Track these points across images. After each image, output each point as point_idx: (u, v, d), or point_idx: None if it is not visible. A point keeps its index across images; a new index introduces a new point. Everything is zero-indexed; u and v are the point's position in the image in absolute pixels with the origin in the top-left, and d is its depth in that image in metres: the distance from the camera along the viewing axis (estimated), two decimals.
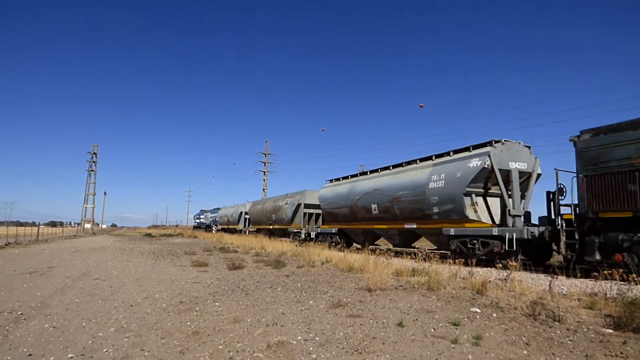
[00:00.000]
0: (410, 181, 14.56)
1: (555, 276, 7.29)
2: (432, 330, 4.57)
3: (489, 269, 10.01)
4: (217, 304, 6.13)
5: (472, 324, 4.79)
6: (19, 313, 5.46)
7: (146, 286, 7.80)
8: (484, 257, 11.65)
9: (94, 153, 63.14)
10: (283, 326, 4.82)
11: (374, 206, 16.44)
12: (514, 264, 7.77)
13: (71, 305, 5.97)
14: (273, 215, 28.82)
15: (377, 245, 19.42)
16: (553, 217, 11.07)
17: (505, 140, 12.42)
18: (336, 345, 4.05)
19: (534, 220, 12.39)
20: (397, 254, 14.78)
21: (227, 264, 11.28)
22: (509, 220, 11.79)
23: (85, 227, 58.65)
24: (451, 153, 13.67)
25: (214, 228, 46.37)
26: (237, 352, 3.90)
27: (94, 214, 63.36)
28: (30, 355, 3.81)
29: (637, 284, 6.62)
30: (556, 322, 4.75)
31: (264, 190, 45.33)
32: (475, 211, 12.30)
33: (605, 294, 5.98)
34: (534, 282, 7.86)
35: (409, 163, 15.69)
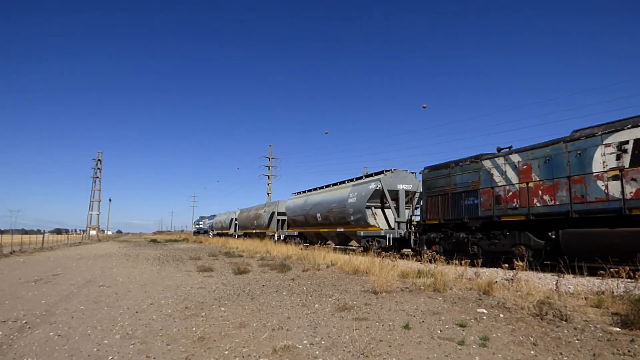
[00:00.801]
0: (338, 197, 20.11)
1: (562, 275, 7.23)
2: (439, 332, 4.54)
3: (495, 269, 9.96)
4: (222, 309, 6.12)
5: (479, 325, 4.75)
6: (24, 322, 5.47)
7: (151, 292, 7.80)
8: (379, 249, 15.20)
9: (99, 160, 63.47)
10: (289, 330, 4.80)
11: (319, 215, 21.80)
12: (520, 264, 7.72)
13: (76, 313, 5.97)
14: (255, 222, 34.22)
15: (328, 244, 22.14)
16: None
17: (394, 169, 17.86)
18: (342, 349, 4.03)
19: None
20: (403, 256, 14.77)
21: (232, 269, 11.27)
22: (396, 225, 16.81)
23: (91, 234, 58.85)
24: (363, 177, 19.40)
25: (210, 233, 52.75)
26: (243, 357, 3.88)
27: (99, 220, 63.64)
28: None
29: None
30: (563, 322, 4.71)
31: (268, 194, 45.35)
32: (375, 219, 17.80)
33: (612, 292, 5.93)
34: (541, 282, 7.80)
35: (341, 183, 21.61)
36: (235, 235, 40.63)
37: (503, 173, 11.61)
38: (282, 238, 27.71)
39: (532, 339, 4.16)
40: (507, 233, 11.26)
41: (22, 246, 23.98)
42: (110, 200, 71.93)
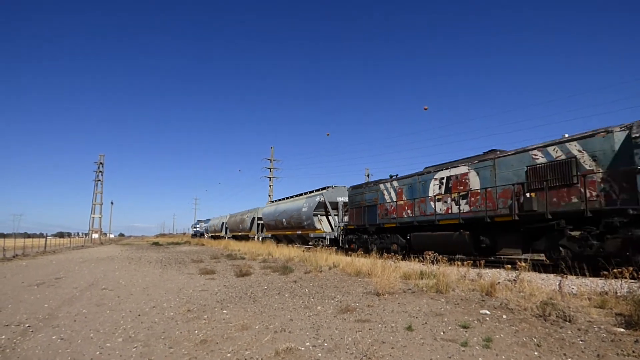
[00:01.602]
0: (296, 206, 25.92)
1: (565, 276, 7.20)
2: (442, 333, 4.53)
3: (498, 270, 9.93)
4: (225, 311, 6.11)
5: (482, 326, 4.73)
6: (27, 325, 5.48)
7: (154, 295, 7.80)
8: (325, 246, 18.77)
9: (101, 163, 63.61)
10: (291, 332, 4.79)
11: (284, 220, 27.63)
12: (523, 264, 7.69)
13: (79, 316, 5.98)
14: (240, 225, 40.44)
15: (298, 245, 25.80)
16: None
17: (335, 186, 23.62)
18: (345, 351, 4.02)
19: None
20: (405, 258, 14.74)
21: (234, 271, 11.27)
22: (335, 229, 22.37)
23: (93, 237, 58.92)
24: (313, 191, 25.43)
25: (205, 235, 59.43)
26: (246, 359, 3.88)
27: (101, 223, 63.73)
28: None
29: None
30: (567, 323, 4.69)
31: (269, 195, 45.39)
32: (320, 224, 23.58)
33: (616, 293, 5.90)
34: (544, 282, 7.77)
35: (299, 195, 27.87)
36: (225, 237, 45.52)
37: (389, 194, 16.94)
38: (260, 239, 32.78)
39: (535, 340, 4.14)
40: (388, 235, 16.65)
41: (24, 250, 24.04)
42: (112, 203, 72.17)
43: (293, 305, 6.43)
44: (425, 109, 24.57)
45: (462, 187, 13.34)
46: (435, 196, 14.18)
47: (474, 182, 12.93)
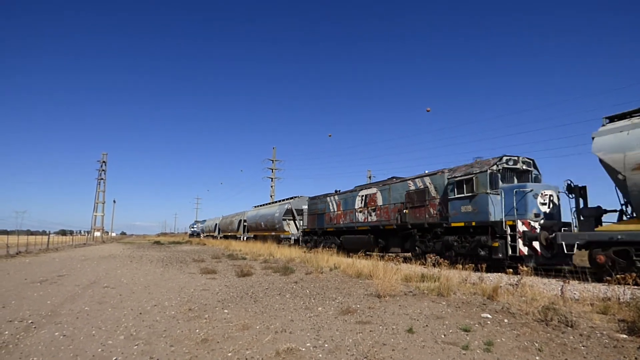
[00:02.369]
0: (272, 212, 31.87)
1: (567, 281, 7.18)
2: (443, 336, 4.52)
3: (499, 274, 9.91)
4: (225, 311, 6.13)
5: (483, 330, 4.73)
6: (30, 322, 5.51)
7: (155, 294, 7.82)
8: (292, 243, 25.68)
9: (103, 161, 63.85)
10: (292, 333, 4.80)
11: (262, 223, 33.42)
12: (525, 268, 7.68)
13: (81, 314, 6.00)
14: (229, 226, 46.14)
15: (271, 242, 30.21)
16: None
17: (301, 196, 28.60)
18: (345, 352, 4.02)
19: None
20: (406, 260, 14.74)
21: (235, 271, 11.29)
22: (300, 230, 26.97)
23: (95, 235, 59.13)
24: (284, 200, 31.15)
25: (201, 235, 64.95)
26: (247, 359, 3.88)
27: (103, 222, 63.99)
28: None
29: None
30: (569, 328, 4.67)
31: (271, 196, 45.43)
32: (289, 227, 29.05)
33: (619, 299, 5.88)
34: (546, 287, 7.76)
35: (274, 202, 34.54)
36: (218, 237, 50.39)
37: (333, 205, 21.86)
38: (245, 239, 38.26)
39: (537, 345, 4.13)
40: (330, 237, 21.75)
41: (27, 247, 24.14)
42: (114, 201, 72.17)
43: (294, 306, 6.44)
44: (428, 111, 24.57)
45: (373, 203, 18.30)
46: (357, 209, 19.45)
47: (379, 200, 17.82)
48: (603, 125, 9.78)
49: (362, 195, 19.09)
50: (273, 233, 30.70)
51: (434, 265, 9.52)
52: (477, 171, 12.66)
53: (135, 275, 11.00)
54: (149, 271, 12.22)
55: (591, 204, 10.69)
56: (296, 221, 28.22)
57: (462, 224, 12.96)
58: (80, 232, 62.67)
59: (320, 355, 3.97)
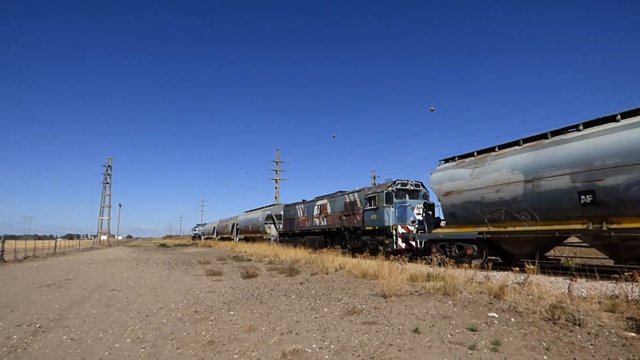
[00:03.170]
0: (257, 216, 37.02)
1: (575, 279, 7.12)
2: (449, 336, 4.50)
3: (506, 272, 9.85)
4: (231, 312, 6.14)
5: (490, 329, 4.70)
6: (38, 325, 5.55)
7: (161, 296, 7.85)
8: (271, 243, 29.10)
9: (109, 166, 64.18)
10: (298, 334, 4.80)
11: (250, 226, 39.20)
12: (531, 267, 7.63)
13: (88, 317, 6.04)
14: (225, 229, 51.50)
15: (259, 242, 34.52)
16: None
17: (280, 203, 36.82)
18: (352, 353, 4.01)
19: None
20: (411, 259, 14.71)
21: (241, 273, 11.30)
22: (277, 232, 32.24)
23: (101, 239, 59.45)
24: (266, 207, 36.63)
25: (202, 237, 69.11)
26: None
27: (109, 225, 64.28)
28: None
29: None
30: (577, 326, 4.63)
31: (276, 198, 45.49)
32: (270, 230, 34.18)
33: (627, 297, 5.83)
34: (553, 286, 7.70)
35: (259, 208, 39.19)
36: (216, 239, 55.05)
37: (300, 212, 26.80)
38: (237, 240, 43.12)
39: (544, 344, 4.10)
40: (298, 237, 26.61)
41: (35, 251, 24.33)
42: (120, 205, 73.03)
43: (299, 307, 6.44)
44: (432, 110, 24.49)
45: (324, 212, 23.40)
46: (315, 215, 24.49)
47: (328, 209, 22.94)
48: (439, 165, 14.45)
49: (319, 205, 24.15)
50: (258, 234, 36.75)
51: (439, 264, 9.47)
52: (379, 191, 18.02)
53: (141, 278, 11.05)
54: (155, 274, 12.27)
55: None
56: (275, 224, 33.85)
57: (371, 228, 18.32)
58: (86, 235, 63.18)
59: (327, 356, 3.96)
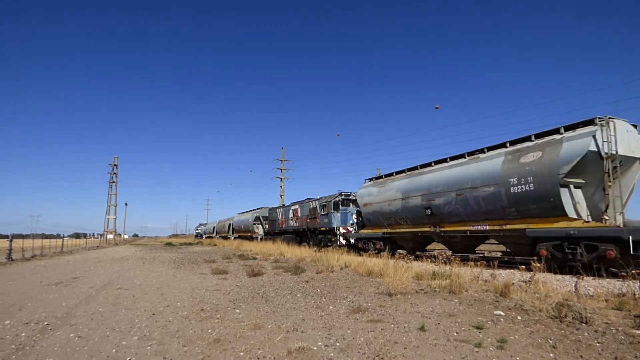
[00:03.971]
0: (247, 218, 43.72)
1: (581, 277, 7.08)
2: (455, 334, 4.49)
3: (512, 270, 9.81)
4: (237, 311, 6.16)
5: (496, 327, 4.68)
6: (46, 323, 5.60)
7: (168, 294, 7.90)
8: (259, 240, 35.72)
9: (115, 165, 64.60)
10: (303, 332, 4.81)
11: (242, 226, 44.90)
12: (538, 265, 7.59)
13: (95, 315, 6.09)
14: (223, 229, 57.47)
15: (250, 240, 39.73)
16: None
17: (266, 207, 39.61)
18: (357, 351, 4.02)
19: None
20: (417, 258, 14.68)
21: (246, 271, 11.34)
22: (263, 232, 39.39)
23: (108, 237, 59.88)
24: (255, 210, 42.92)
25: (204, 236, 74.86)
26: (259, 358, 3.90)
27: (115, 224, 64.71)
28: None
29: None
30: (583, 324, 4.60)
31: (281, 196, 45.53)
32: (258, 229, 40.11)
33: (634, 295, 5.78)
34: (559, 284, 7.66)
35: (249, 211, 45.08)
36: (216, 237, 60.33)
37: (280, 215, 32.39)
38: (233, 238, 48.18)
39: (551, 342, 4.08)
40: (278, 235, 31.45)
41: (42, 250, 24.54)
42: (126, 204, 73.23)
43: (305, 305, 6.45)
44: (437, 108, 24.39)
45: (296, 215, 28.74)
46: (290, 218, 30.05)
47: (299, 213, 28.19)
48: (364, 183, 19.65)
49: (293, 209, 29.74)
50: (248, 234, 42.15)
51: (444, 262, 9.45)
52: (330, 200, 23.39)
53: (147, 277, 11.12)
54: (161, 272, 12.35)
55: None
56: (262, 225, 38.91)
57: (324, 228, 23.85)
58: (93, 234, 63.49)
59: (332, 354, 3.97)
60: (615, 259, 8.72)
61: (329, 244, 22.29)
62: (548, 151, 10.43)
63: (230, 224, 51.57)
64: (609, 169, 9.57)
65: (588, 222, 9.82)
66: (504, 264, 11.78)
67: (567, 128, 10.56)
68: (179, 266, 14.41)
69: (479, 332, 4.50)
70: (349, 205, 22.39)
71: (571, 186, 10.17)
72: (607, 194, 9.62)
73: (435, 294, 6.88)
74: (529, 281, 7.17)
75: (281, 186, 46.12)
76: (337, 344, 4.29)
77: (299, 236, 28.15)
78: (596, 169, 9.87)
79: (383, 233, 17.21)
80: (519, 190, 10.80)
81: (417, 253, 17.01)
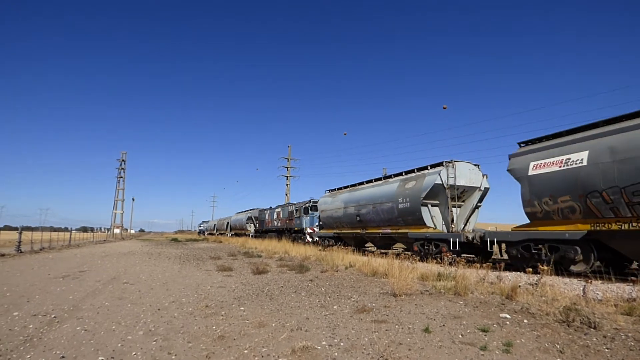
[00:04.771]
0: (241, 217, 49.48)
1: (590, 281, 6.99)
2: (460, 336, 4.45)
3: (518, 273, 9.72)
4: (242, 308, 6.18)
5: (502, 330, 4.64)
6: (53, 316, 5.66)
7: (173, 290, 7.94)
8: (251, 237, 40.26)
9: (123, 160, 65.14)
10: (307, 331, 4.80)
11: (237, 224, 50.74)
12: (545, 267, 7.51)
13: (102, 309, 6.14)
14: (222, 226, 62.13)
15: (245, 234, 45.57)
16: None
17: (258, 208, 44.00)
18: (361, 351, 4.00)
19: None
20: (422, 259, 14.60)
21: (251, 269, 11.37)
22: (254, 230, 45.43)
23: (115, 232, 60.43)
24: (248, 210, 47.84)
25: (205, 233, 79.22)
26: (263, 356, 3.90)
27: (122, 219, 65.31)
28: (63, 357, 3.93)
29: None
30: (592, 329, 4.54)
31: (286, 194, 45.58)
32: (250, 228, 45.29)
33: None
34: (567, 287, 7.57)
35: (244, 211, 50.02)
36: (216, 234, 64.30)
37: (267, 215, 37.46)
38: (230, 235, 52.15)
39: (558, 346, 4.03)
40: (265, 234, 36.83)
41: (50, 243, 24.84)
42: (133, 199, 73.74)
43: (309, 304, 6.45)
44: (445, 108, 24.24)
45: (279, 217, 33.44)
46: (274, 219, 34.83)
47: (281, 215, 32.97)
48: (324, 194, 24.37)
49: (276, 212, 34.52)
50: (242, 231, 47.30)
51: (450, 264, 9.39)
52: (301, 206, 28.59)
53: (153, 272, 11.20)
54: (167, 268, 12.42)
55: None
56: (254, 223, 44.09)
57: (298, 229, 28.90)
58: (100, 229, 64.12)
59: (336, 353, 3.96)
60: (447, 253, 12.55)
61: (299, 240, 27.19)
62: (418, 181, 15.26)
63: (228, 222, 57.84)
64: (449, 195, 14.30)
65: (435, 229, 14.71)
66: (510, 266, 11.66)
67: (432, 166, 15.41)
68: (184, 262, 14.49)
69: (485, 335, 4.46)
70: (316, 210, 26.17)
71: (429, 205, 14.95)
72: (451, 211, 14.48)
73: (440, 296, 6.83)
74: (536, 284, 7.10)
75: (287, 184, 46.17)
76: (341, 343, 4.28)
77: (280, 234, 32.55)
78: (444, 195, 14.63)
79: (334, 233, 22.32)
80: (403, 207, 15.69)
81: (373, 249, 21.25)
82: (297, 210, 29.33)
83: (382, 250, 18.33)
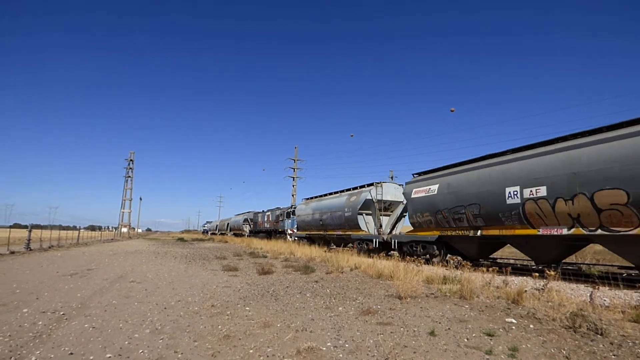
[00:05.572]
0: (239, 219, 54.90)
1: (597, 287, 6.93)
2: (466, 340, 4.45)
3: (525, 277, 9.66)
4: (247, 308, 6.21)
5: (508, 335, 4.62)
6: (61, 313, 5.74)
7: (179, 289, 8.01)
8: (246, 237, 45.72)
9: (131, 160, 65.68)
10: (312, 332, 4.82)
11: (236, 225, 56.46)
12: (552, 273, 7.46)
13: (109, 307, 6.21)
14: (223, 227, 66.78)
15: (242, 234, 49.36)
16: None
17: (252, 211, 49.33)
18: (366, 353, 4.01)
19: None
20: (427, 262, 14.56)
21: (256, 269, 11.41)
22: (249, 230, 50.10)
23: (122, 231, 60.91)
24: (244, 213, 53.57)
25: (209, 232, 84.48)
26: (268, 356, 3.93)
27: (130, 218, 65.81)
28: (71, 354, 4.00)
29: None
30: (598, 336, 4.51)
31: (293, 195, 45.64)
32: (246, 229, 49.45)
33: None
34: (573, 293, 7.51)
35: (241, 213, 56.52)
36: (217, 233, 70.29)
37: (260, 217, 43.24)
38: (229, 235, 56.15)
39: (564, 352, 4.01)
40: (257, 234, 43.45)
41: (59, 241, 25.12)
42: (141, 199, 74.36)
43: (314, 305, 6.46)
44: (452, 111, 24.17)
45: (268, 219, 38.97)
46: (265, 221, 39.99)
47: (270, 218, 38.57)
48: (301, 201, 29.24)
49: (267, 215, 39.46)
50: (240, 232, 51.81)
51: (456, 267, 9.36)
52: (284, 211, 33.74)
53: (160, 271, 11.28)
54: (173, 267, 12.51)
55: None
56: (249, 225, 47.82)
57: (281, 230, 33.42)
58: (108, 227, 64.76)
59: (341, 355, 3.97)
60: (373, 249, 17.60)
61: (283, 239, 31.56)
62: (357, 196, 20.06)
63: (228, 223, 63.87)
64: (377, 208, 19.11)
65: (367, 232, 19.48)
66: (517, 270, 11.60)
67: (368, 185, 20.08)
68: (190, 262, 14.58)
69: (490, 339, 4.45)
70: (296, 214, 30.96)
71: (363, 214, 19.86)
72: (379, 219, 19.27)
73: (445, 299, 6.82)
74: (542, 289, 7.05)
75: (293, 185, 46.24)
76: (346, 345, 4.29)
77: (269, 234, 38.09)
78: (374, 207, 19.37)
79: (306, 234, 26.61)
80: (347, 215, 20.34)
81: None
82: (281, 215, 34.98)
83: (339, 248, 22.18)
